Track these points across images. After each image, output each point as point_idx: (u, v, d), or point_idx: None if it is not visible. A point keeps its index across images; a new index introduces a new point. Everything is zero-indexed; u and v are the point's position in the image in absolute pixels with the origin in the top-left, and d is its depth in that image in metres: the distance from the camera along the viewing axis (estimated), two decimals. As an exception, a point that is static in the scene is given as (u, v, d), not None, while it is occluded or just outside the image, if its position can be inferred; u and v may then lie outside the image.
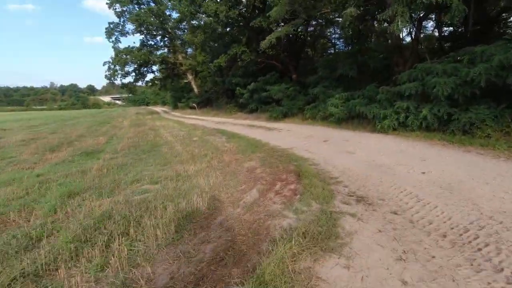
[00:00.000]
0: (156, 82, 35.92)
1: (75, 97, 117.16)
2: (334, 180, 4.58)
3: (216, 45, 18.90)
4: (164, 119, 26.16)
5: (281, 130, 11.32)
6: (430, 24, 15.86)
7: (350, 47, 19.19)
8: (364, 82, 11.89)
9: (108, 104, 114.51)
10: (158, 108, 62.25)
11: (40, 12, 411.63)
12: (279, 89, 14.96)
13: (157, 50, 34.01)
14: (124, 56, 28.22)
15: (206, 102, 32.16)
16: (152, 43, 33.70)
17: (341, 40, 23.00)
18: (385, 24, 12.67)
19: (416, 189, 3.91)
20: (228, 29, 16.86)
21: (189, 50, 36.13)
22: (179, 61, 32.84)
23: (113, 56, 28.21)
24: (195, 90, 33.69)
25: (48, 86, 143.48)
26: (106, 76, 29.02)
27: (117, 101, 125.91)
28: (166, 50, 33.60)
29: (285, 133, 10.39)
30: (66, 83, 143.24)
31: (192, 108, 34.26)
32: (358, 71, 12.14)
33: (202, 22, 16.86)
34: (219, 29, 15.68)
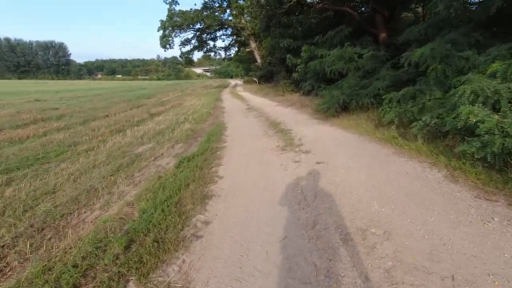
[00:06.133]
0: (218, 51, 31.48)
1: (173, 68, 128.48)
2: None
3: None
4: (211, 95, 21.62)
5: (307, 154, 4.48)
6: None
7: None
8: None
9: (198, 75, 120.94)
10: (235, 81, 59.61)
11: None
12: (340, 54, 7.61)
13: (223, 13, 28.91)
14: (176, 18, 24.17)
15: (268, 76, 25.93)
16: (217, 4, 28.70)
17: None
18: None
19: None
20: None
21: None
22: (240, 25, 27.07)
23: (165, 19, 24.49)
24: (258, 60, 27.67)
25: (155, 58, 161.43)
26: (160, 44, 25.93)
27: (207, 73, 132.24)
28: (228, 12, 28.10)
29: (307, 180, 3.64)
30: (169, 55, 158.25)
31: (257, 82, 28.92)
32: None
33: None
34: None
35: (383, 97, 5.23)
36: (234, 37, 31.45)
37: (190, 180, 3.76)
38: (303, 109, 9.60)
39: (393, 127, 4.99)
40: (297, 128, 6.54)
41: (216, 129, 7.56)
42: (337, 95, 7.07)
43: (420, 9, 15.45)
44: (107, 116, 11.60)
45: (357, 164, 3.76)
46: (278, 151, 4.86)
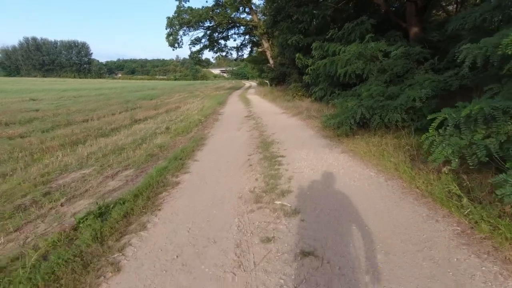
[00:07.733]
0: (229, 50, 29.86)
1: (190, 69, 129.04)
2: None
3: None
4: (217, 98, 19.95)
5: (291, 218, 2.55)
6: None
7: None
8: None
9: (215, 76, 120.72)
10: (249, 83, 58.10)
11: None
12: (359, 51, 5.59)
13: (235, 11, 27.19)
14: (185, 15, 22.69)
15: (281, 78, 23.93)
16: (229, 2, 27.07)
17: None
18: None
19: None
20: None
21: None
22: (253, 23, 25.31)
23: (171, 16, 23.05)
24: (270, 61, 25.77)
25: (174, 59, 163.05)
26: (168, 42, 24.61)
27: (224, 74, 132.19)
28: (240, 9, 26.34)
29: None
30: (187, 56, 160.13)
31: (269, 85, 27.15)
32: None
33: None
34: None
35: (429, 117, 3.17)
36: (247, 36, 29.76)
37: (62, 272, 1.94)
38: (310, 120, 7.60)
39: (445, 169, 2.93)
40: (292, 155, 4.59)
41: (190, 147, 5.74)
42: (353, 106, 5.05)
43: (451, 7, 13.07)
44: (86, 121, 10.12)
45: (383, 271, 1.79)
46: (248, 203, 2.95)
